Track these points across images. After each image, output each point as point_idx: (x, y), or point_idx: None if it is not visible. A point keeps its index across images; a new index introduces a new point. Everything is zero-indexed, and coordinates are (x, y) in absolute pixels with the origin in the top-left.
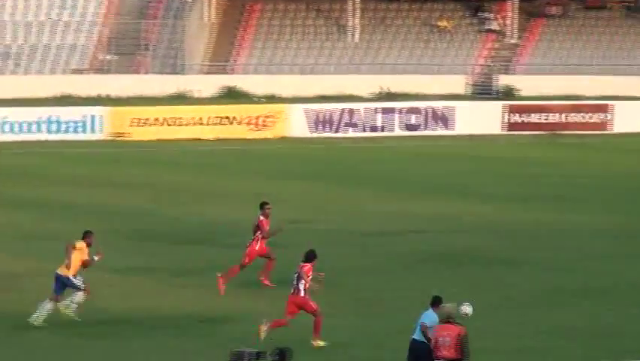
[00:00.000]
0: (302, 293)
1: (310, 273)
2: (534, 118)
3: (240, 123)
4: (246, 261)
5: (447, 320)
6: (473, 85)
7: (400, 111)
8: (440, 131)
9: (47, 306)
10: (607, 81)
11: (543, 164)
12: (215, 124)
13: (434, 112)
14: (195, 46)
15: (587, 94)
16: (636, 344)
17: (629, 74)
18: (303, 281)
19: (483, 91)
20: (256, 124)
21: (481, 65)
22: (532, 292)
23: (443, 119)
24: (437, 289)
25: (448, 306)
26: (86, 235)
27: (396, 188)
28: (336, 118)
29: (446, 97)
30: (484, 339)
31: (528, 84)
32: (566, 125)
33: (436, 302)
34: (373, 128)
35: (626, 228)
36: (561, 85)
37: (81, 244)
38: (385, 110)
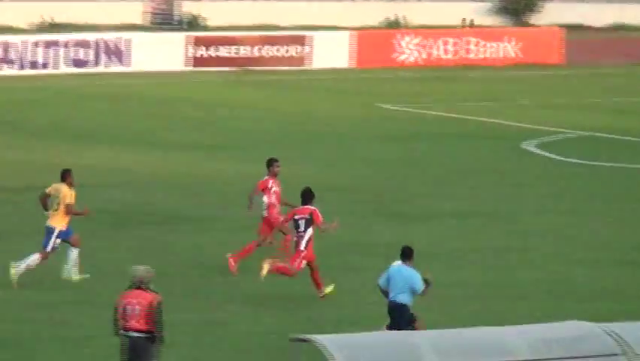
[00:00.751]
0: (303, 246)
1: (321, 217)
2: (223, 52)
3: None
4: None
5: (138, 285)
6: (152, 13)
7: (66, 45)
8: (114, 67)
9: (72, 254)
10: (304, 8)
11: (233, 106)
12: None
13: (106, 45)
14: None
15: (284, 24)
16: (329, 312)
17: (327, 0)
18: (310, 230)
19: (164, 20)
20: None
21: None
22: (219, 256)
23: (117, 54)
24: (108, 252)
25: (140, 269)
26: (65, 175)
27: (60, 135)
28: None
29: (120, 28)
30: (167, 311)
31: (215, 12)
32: (260, 60)
33: (407, 254)
34: (34, 65)
35: (329, 181)
36: (253, 13)
37: (63, 188)
38: (48, 44)
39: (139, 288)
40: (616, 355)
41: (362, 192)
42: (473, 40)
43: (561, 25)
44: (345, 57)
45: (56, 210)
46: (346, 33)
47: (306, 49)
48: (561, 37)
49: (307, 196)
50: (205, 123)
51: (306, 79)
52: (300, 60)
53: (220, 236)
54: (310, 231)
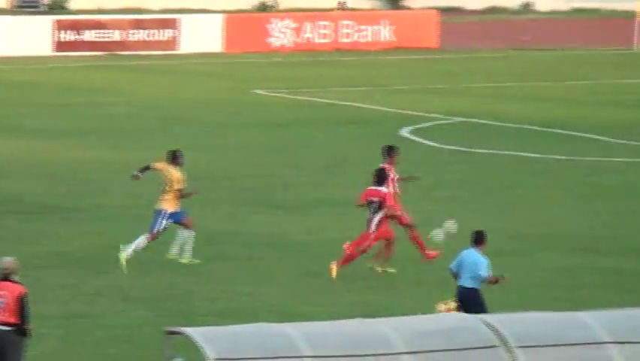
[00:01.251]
0: (373, 228)
1: (390, 202)
2: (89, 36)
3: None
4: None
5: (6, 276)
6: None
7: None
8: None
9: (183, 235)
10: None
11: (101, 91)
12: None
13: None
14: None
15: (152, 7)
16: (202, 305)
17: None
18: (381, 211)
19: (27, 4)
20: None
21: None
22: (93, 247)
23: None
24: None
25: (7, 260)
26: (175, 156)
27: None
28: None
29: None
30: (34, 303)
31: None
32: (128, 45)
33: (476, 239)
34: None
35: (201, 169)
36: None
37: (172, 171)
38: None
39: (6, 279)
40: (495, 347)
41: (236, 180)
42: (348, 23)
43: (436, 8)
44: (217, 41)
45: (166, 192)
46: (217, 16)
47: (176, 32)
48: (436, 20)
49: (380, 175)
50: (70, 109)
51: (175, 63)
52: (168, 44)
53: (87, 226)
54: (380, 213)
